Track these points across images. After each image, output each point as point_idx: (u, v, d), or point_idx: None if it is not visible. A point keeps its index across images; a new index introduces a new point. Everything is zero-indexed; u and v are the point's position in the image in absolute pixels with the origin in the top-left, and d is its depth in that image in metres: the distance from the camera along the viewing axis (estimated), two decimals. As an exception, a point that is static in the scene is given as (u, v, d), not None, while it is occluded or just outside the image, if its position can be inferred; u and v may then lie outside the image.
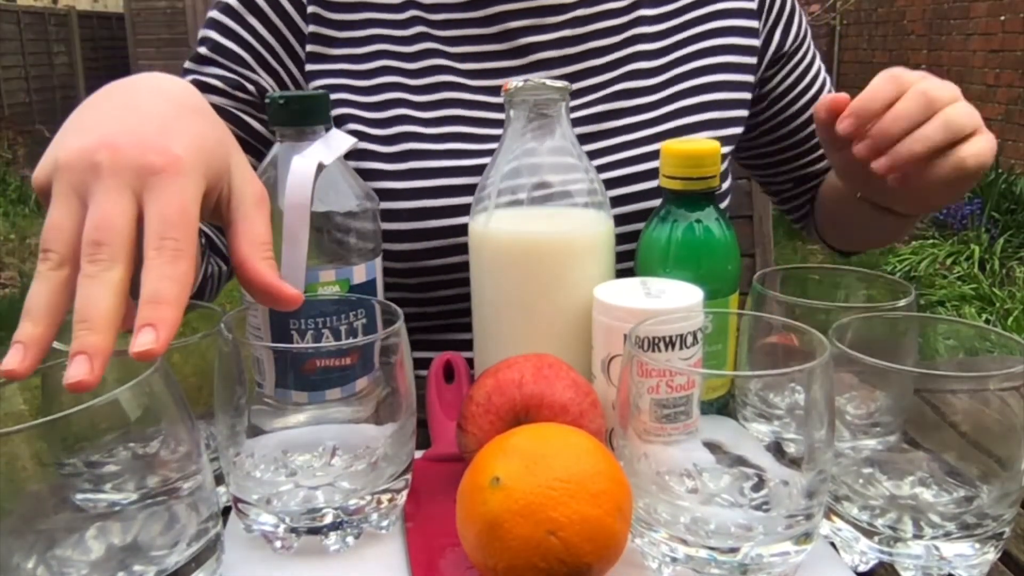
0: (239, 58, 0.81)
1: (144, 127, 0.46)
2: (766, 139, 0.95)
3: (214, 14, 0.83)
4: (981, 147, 0.65)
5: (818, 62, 0.94)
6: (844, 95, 0.67)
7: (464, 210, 0.77)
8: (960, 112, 0.64)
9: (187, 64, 0.82)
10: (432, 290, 0.80)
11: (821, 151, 0.94)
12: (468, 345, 0.73)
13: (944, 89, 0.66)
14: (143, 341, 0.40)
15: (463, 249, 0.77)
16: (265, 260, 0.47)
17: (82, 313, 0.40)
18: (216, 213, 0.50)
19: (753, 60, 0.86)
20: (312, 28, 0.81)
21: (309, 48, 0.81)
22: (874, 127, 0.64)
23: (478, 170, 0.77)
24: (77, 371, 0.38)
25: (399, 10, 0.82)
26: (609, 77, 0.82)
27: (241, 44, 0.81)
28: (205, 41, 0.82)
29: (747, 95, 0.86)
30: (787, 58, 0.89)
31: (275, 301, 0.47)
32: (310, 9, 0.81)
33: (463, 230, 0.77)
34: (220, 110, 0.80)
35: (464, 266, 0.78)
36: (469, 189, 0.77)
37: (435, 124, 0.80)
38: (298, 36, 0.81)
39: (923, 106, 0.64)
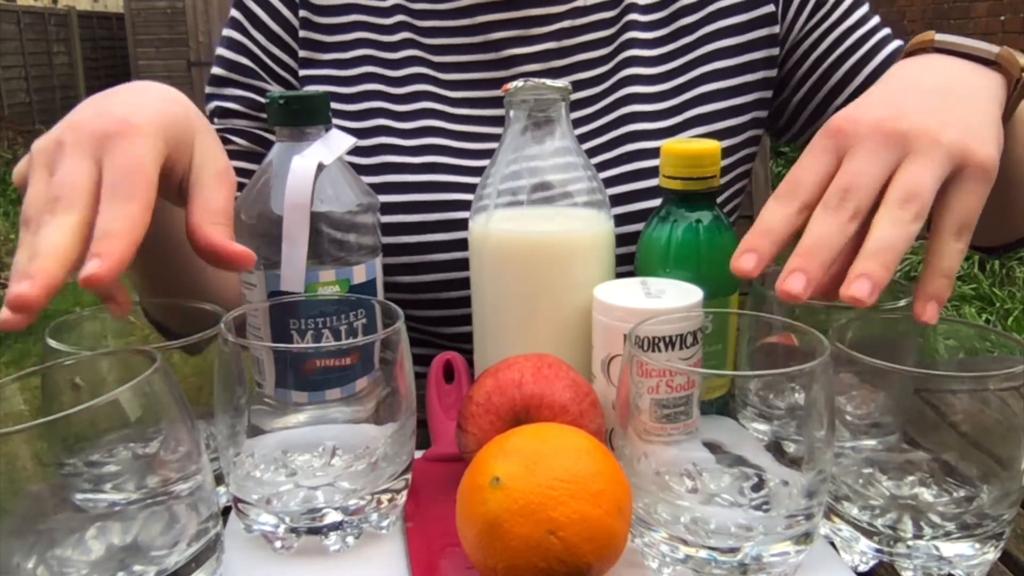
0: (251, 71, 0.82)
1: (110, 111, 0.49)
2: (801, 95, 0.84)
3: (224, 30, 0.84)
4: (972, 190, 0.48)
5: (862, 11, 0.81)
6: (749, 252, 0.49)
7: (440, 226, 0.76)
8: (916, 177, 0.47)
9: (208, 89, 0.84)
10: (411, 308, 0.79)
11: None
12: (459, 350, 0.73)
13: (887, 147, 0.48)
14: (88, 267, 0.42)
15: (440, 267, 0.77)
16: (215, 225, 0.48)
17: (32, 251, 0.43)
18: (181, 193, 0.51)
19: (773, 51, 0.80)
20: (303, 33, 0.81)
21: (302, 54, 0.81)
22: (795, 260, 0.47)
23: (454, 187, 0.76)
24: (17, 288, 0.41)
25: (387, 14, 0.81)
26: (601, 89, 0.80)
27: (250, 57, 0.82)
28: (219, 60, 0.83)
29: (766, 93, 0.81)
30: (814, 14, 0.80)
31: (226, 262, 0.48)
32: (301, 13, 0.81)
33: (438, 247, 0.76)
34: (244, 133, 0.81)
35: (441, 284, 0.77)
36: (444, 205, 0.76)
37: (413, 136, 0.79)
38: (298, 42, 0.82)
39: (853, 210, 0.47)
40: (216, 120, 0.82)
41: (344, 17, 0.81)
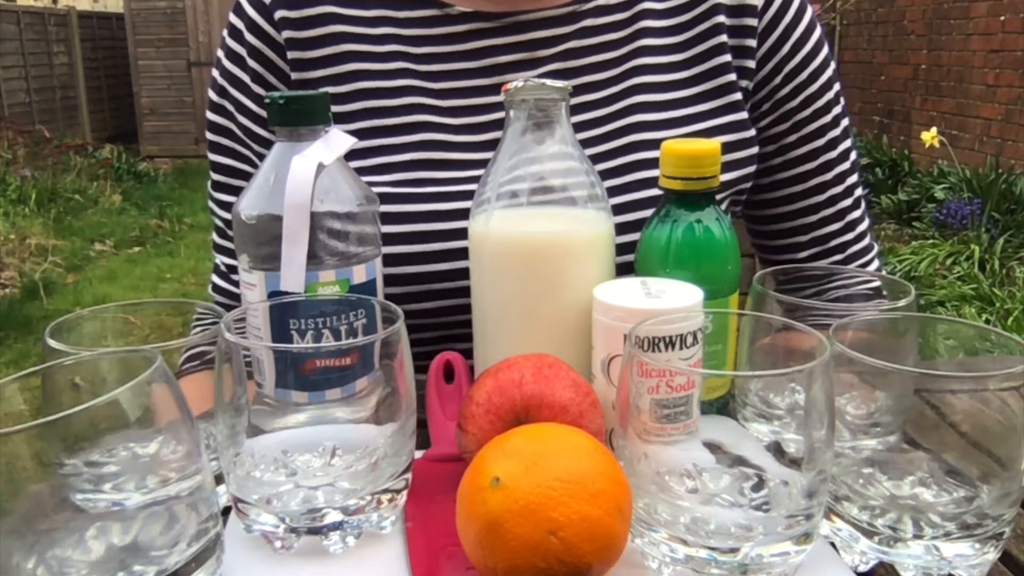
0: (243, 173, 0.83)
1: None
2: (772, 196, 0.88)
3: (208, 133, 0.85)
4: None
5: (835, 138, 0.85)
6: None
7: (435, 257, 0.74)
8: None
9: (210, 192, 0.86)
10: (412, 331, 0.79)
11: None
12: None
13: None
14: None
15: (436, 295, 0.76)
16: None
17: None
18: None
19: (747, 82, 0.82)
20: (296, 76, 0.80)
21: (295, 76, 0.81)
22: None
23: (456, 214, 0.74)
24: None
25: (380, 42, 0.79)
26: (605, 113, 0.78)
27: (239, 159, 0.83)
28: (213, 167, 0.85)
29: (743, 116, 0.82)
30: (786, 103, 0.83)
31: None
32: (290, 55, 0.79)
33: (433, 277, 0.75)
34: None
35: (437, 311, 0.76)
36: (440, 235, 0.74)
37: (410, 168, 0.77)
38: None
39: None
40: (223, 214, 0.85)
41: (334, 47, 0.79)
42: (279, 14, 0.79)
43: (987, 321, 2.98)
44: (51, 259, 4.34)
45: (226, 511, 0.52)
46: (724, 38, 0.80)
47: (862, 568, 0.48)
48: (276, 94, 0.58)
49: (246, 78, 0.81)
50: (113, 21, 8.95)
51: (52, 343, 0.51)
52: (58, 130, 7.37)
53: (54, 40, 8.10)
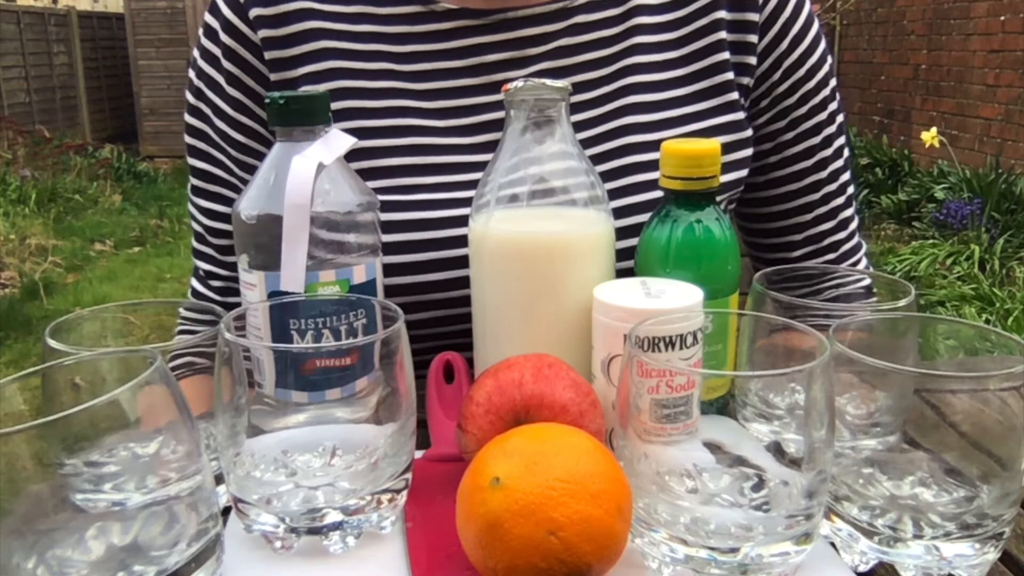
0: (223, 180, 0.82)
1: None
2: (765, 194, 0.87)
3: (187, 136, 0.82)
4: None
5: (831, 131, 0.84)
6: None
7: (431, 267, 0.73)
8: None
9: (190, 196, 0.84)
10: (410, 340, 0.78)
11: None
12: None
13: None
14: None
15: (432, 305, 0.74)
16: None
17: None
18: None
19: (745, 80, 0.80)
20: (274, 76, 0.77)
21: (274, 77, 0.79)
22: None
23: (449, 222, 0.73)
24: None
25: (361, 40, 0.77)
26: (598, 113, 0.77)
27: (218, 165, 0.81)
28: (192, 171, 0.83)
29: (739, 114, 0.80)
30: (783, 99, 0.82)
31: None
32: (268, 55, 0.77)
33: (429, 287, 0.73)
34: (220, 232, 0.81)
35: (435, 321, 0.75)
36: (435, 244, 0.73)
37: (399, 174, 0.74)
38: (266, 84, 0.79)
39: None
40: (203, 219, 0.83)
41: (311, 44, 0.77)
42: (254, 12, 0.76)
43: (987, 321, 2.98)
44: (51, 259, 4.34)
45: (226, 511, 0.52)
46: (723, 34, 0.78)
47: (862, 568, 0.48)
48: (276, 94, 0.58)
49: (221, 80, 0.79)
50: (113, 21, 8.95)
51: (52, 343, 0.51)
52: (58, 130, 7.37)
53: (54, 40, 8.10)
